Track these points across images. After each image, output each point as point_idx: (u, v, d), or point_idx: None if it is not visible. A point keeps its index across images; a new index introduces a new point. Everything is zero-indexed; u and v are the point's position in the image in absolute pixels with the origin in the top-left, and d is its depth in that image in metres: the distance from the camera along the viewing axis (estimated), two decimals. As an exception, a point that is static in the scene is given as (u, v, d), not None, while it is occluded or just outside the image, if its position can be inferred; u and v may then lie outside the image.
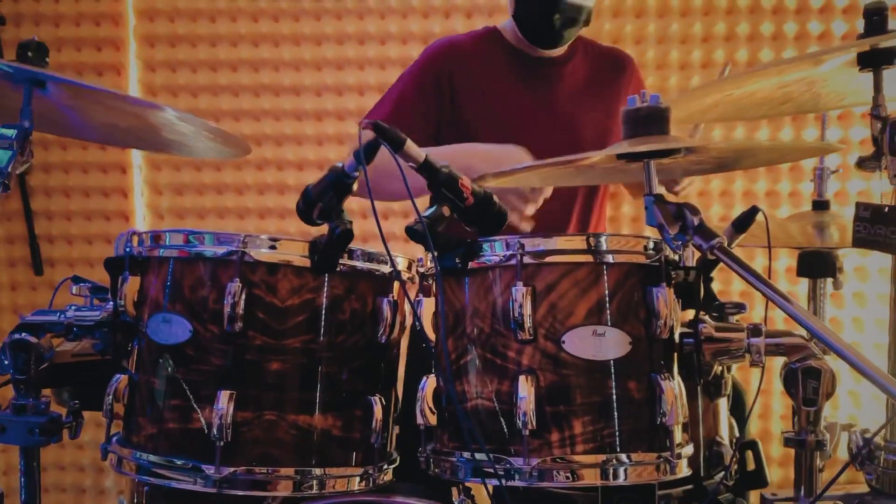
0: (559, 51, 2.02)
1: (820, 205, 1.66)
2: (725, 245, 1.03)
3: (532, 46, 1.97)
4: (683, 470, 1.20)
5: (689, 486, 1.49)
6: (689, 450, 1.22)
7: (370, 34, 2.82)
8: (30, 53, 1.49)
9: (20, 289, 2.91)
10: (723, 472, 1.52)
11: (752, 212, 1.33)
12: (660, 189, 1.10)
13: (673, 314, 1.17)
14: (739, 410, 1.88)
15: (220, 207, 2.89)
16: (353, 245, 1.24)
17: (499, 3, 2.76)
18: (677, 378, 1.24)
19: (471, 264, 1.21)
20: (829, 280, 1.65)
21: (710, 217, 2.73)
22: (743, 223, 1.34)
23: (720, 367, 1.48)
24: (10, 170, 1.38)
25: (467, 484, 1.37)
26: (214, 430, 1.19)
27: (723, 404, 1.58)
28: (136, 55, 2.86)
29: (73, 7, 2.83)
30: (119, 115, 1.71)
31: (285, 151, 2.86)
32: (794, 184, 2.73)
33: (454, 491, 1.41)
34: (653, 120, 1.10)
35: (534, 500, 1.38)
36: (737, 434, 1.63)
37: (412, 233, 1.15)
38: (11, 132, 1.40)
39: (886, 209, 1.22)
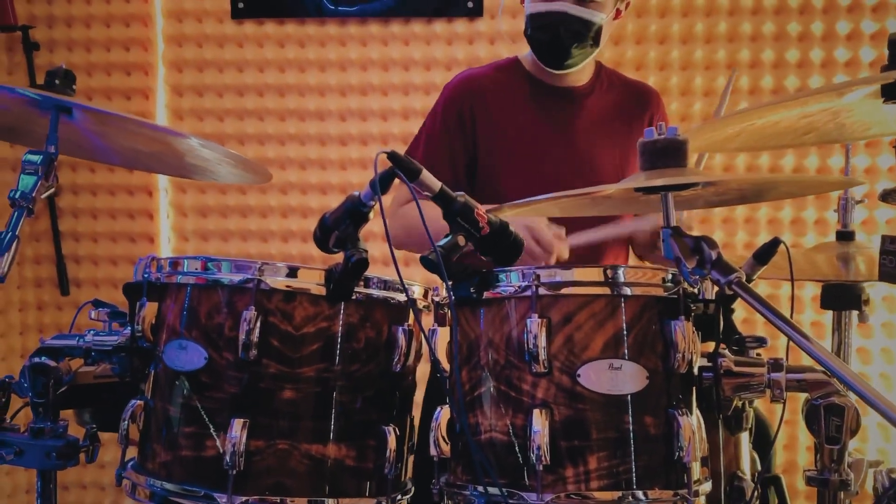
0: (580, 80, 2.01)
1: (844, 235, 1.63)
2: (743, 279, 1.01)
3: (552, 75, 1.96)
4: (702, 506, 1.17)
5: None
6: (706, 487, 1.20)
7: (394, 60, 2.84)
8: (57, 81, 1.52)
9: (46, 308, 2.95)
10: (743, 509, 1.49)
11: (773, 243, 1.31)
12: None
13: (691, 348, 1.15)
14: (763, 443, 1.84)
15: (243, 230, 2.92)
16: (370, 272, 1.24)
17: (499, 29, 2.78)
18: (696, 413, 1.22)
19: (486, 294, 1.20)
20: (855, 312, 1.62)
21: (734, 244, 2.71)
22: (764, 255, 1.32)
23: (741, 401, 1.46)
24: (34, 195, 1.40)
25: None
26: (227, 459, 1.18)
27: (744, 438, 1.54)
28: (164, 80, 2.91)
29: (104, 33, 2.89)
30: (144, 141, 1.73)
31: (309, 175, 2.89)
32: (819, 212, 2.69)
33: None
34: (670, 152, 1.09)
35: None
36: (759, 468, 1.60)
37: (427, 262, 1.14)
38: (37, 158, 1.42)
39: (913, 243, 1.19)
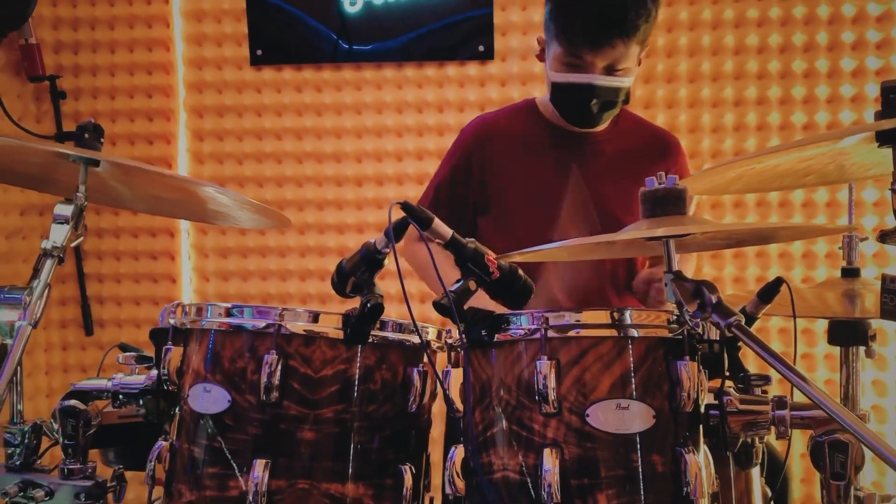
0: (600, 127, 2.03)
1: (849, 272, 1.66)
2: (742, 322, 1.05)
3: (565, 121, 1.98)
4: (711, 543, 1.20)
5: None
6: (715, 523, 1.23)
7: (408, 103, 2.92)
8: (87, 135, 1.59)
9: (71, 349, 3.02)
10: (755, 544, 1.51)
11: (776, 283, 1.35)
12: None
13: (696, 387, 1.18)
14: (776, 477, 1.86)
15: (263, 270, 2.99)
16: (386, 315, 1.30)
17: (510, 71, 2.85)
18: (703, 450, 1.25)
19: (497, 337, 1.24)
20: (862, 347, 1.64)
21: (745, 278, 2.75)
22: (768, 294, 1.36)
23: (749, 438, 1.48)
24: (65, 244, 1.47)
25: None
26: (250, 498, 1.23)
27: (755, 473, 1.57)
28: (185, 125, 3.01)
29: (128, 81, 2.99)
30: (166, 189, 1.80)
31: (326, 216, 2.96)
32: (830, 245, 2.72)
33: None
34: (670, 201, 1.14)
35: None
36: (771, 503, 1.62)
37: (439, 307, 1.19)
38: (68, 209, 1.48)
39: (911, 282, 1.23)
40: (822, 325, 2.59)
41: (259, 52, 2.96)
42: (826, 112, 2.75)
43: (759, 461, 1.55)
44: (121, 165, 1.67)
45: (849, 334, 1.61)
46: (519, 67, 2.86)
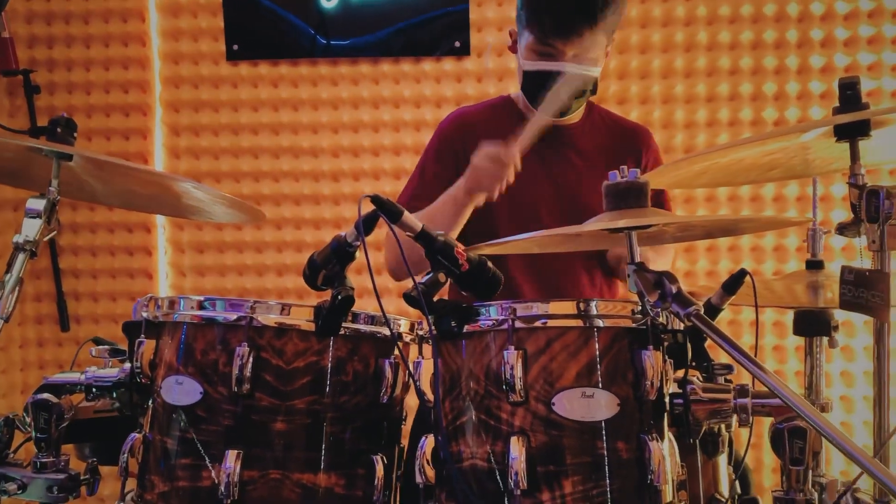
0: (571, 119, 2.06)
1: (814, 264, 1.70)
2: (701, 312, 1.08)
3: None
4: (675, 528, 1.23)
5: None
6: (679, 508, 1.26)
7: (385, 98, 2.93)
8: (59, 129, 1.59)
9: (47, 345, 3.01)
10: (721, 530, 1.55)
11: (740, 275, 1.38)
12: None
13: (659, 376, 1.21)
14: (735, 467, 1.90)
15: (240, 265, 2.99)
16: (358, 308, 1.31)
17: (486, 67, 2.88)
18: (668, 437, 1.28)
19: (467, 328, 1.26)
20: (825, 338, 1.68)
21: (718, 271, 2.79)
22: (732, 286, 1.39)
23: (716, 425, 1.52)
24: (37, 238, 1.47)
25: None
26: (222, 489, 1.24)
27: (722, 460, 1.60)
28: (161, 120, 3.00)
29: (103, 76, 2.98)
30: (141, 184, 1.81)
31: (303, 210, 2.97)
32: (801, 239, 2.76)
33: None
34: (632, 194, 1.16)
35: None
36: (738, 490, 1.65)
37: (409, 299, 1.21)
38: (40, 203, 1.49)
39: (868, 273, 1.26)
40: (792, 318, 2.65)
41: (235, 48, 2.96)
42: (796, 108, 2.80)
43: (726, 449, 1.59)
44: (94, 160, 1.67)
45: (812, 325, 1.65)
46: (494, 63, 2.88)
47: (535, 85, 1.91)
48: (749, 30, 2.81)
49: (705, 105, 2.84)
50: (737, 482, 1.65)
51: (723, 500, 1.58)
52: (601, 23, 1.81)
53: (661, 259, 2.08)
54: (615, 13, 1.84)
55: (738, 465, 1.70)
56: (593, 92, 1.96)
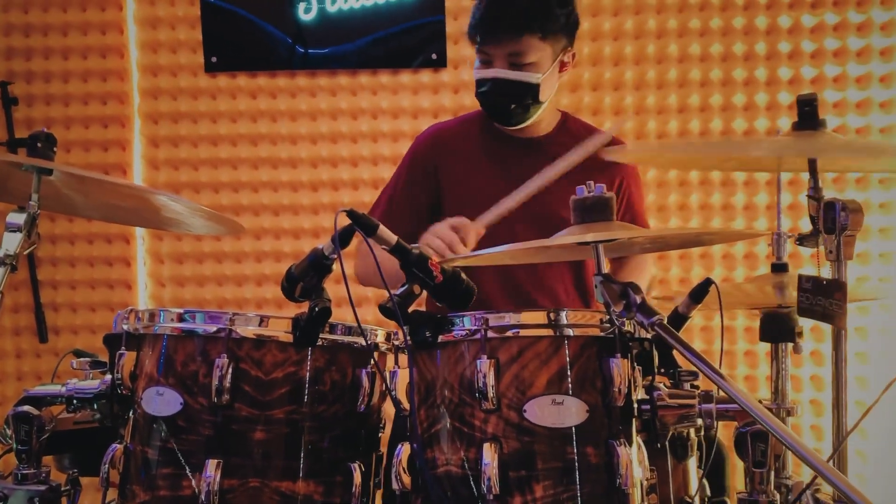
0: (544, 129, 2.09)
1: (779, 267, 1.75)
2: (664, 321, 1.13)
3: (514, 127, 2.05)
4: (643, 530, 1.27)
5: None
6: (647, 511, 1.30)
7: (363, 109, 2.97)
8: (39, 144, 1.61)
9: (25, 357, 3.00)
10: (691, 531, 1.60)
11: (705, 284, 1.43)
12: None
13: (626, 383, 1.25)
14: (720, 470, 1.95)
15: (219, 275, 3.01)
16: (336, 319, 1.35)
17: (462, 79, 2.96)
18: (636, 442, 1.32)
19: (441, 338, 1.30)
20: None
21: (690, 279, 2.85)
22: (698, 294, 1.44)
23: (685, 430, 1.57)
24: (17, 252, 1.49)
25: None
26: (203, 497, 1.27)
27: (691, 464, 1.65)
28: (140, 132, 3.02)
29: (82, 87, 2.99)
30: (120, 197, 1.83)
31: (282, 221, 2.99)
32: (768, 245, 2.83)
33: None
34: (598, 208, 1.21)
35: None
36: (708, 493, 1.70)
37: (384, 310, 1.25)
38: (20, 217, 1.51)
39: (825, 282, 1.31)
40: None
41: (214, 60, 2.98)
42: (765, 118, 2.87)
43: (697, 453, 1.64)
44: (74, 175, 1.69)
45: (778, 331, 1.70)
46: (470, 75, 2.92)
47: (480, 94, 1.97)
48: (719, 42, 2.89)
49: (677, 116, 2.91)
50: (706, 485, 1.70)
51: (691, 502, 1.62)
52: (527, 27, 1.87)
53: (640, 271, 2.15)
54: (549, 19, 1.89)
55: (713, 468, 1.75)
56: (535, 100, 1.97)
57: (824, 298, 1.30)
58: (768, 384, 2.81)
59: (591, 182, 1.24)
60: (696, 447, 1.61)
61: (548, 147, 2.08)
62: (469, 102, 2.84)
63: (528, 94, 1.94)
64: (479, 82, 1.96)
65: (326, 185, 2.99)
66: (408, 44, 2.95)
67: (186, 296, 2.99)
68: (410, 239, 1.96)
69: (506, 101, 1.95)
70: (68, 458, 1.85)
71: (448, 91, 2.96)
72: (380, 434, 1.57)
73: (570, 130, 2.12)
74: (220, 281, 3.01)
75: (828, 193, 2.71)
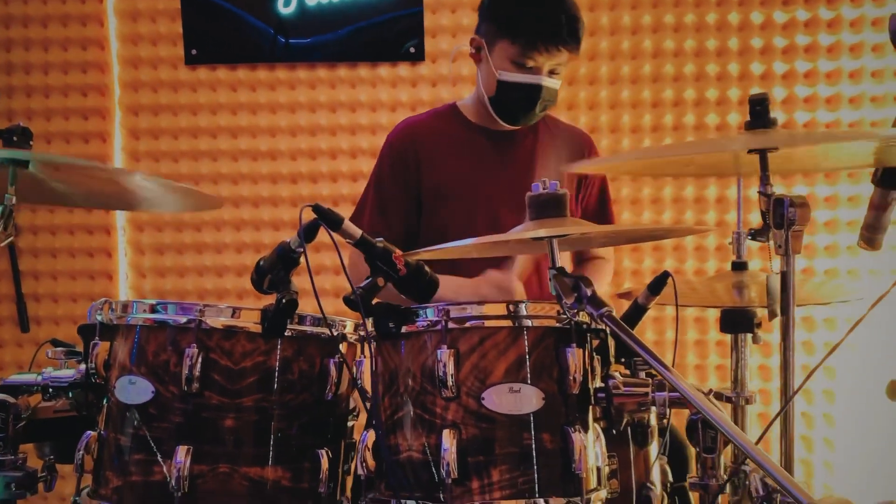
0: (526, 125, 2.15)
1: (739, 266, 1.80)
2: (613, 313, 1.18)
3: (493, 121, 2.09)
4: (598, 512, 1.33)
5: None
6: (602, 494, 1.35)
7: (342, 102, 3.00)
8: (15, 138, 1.65)
9: (6, 346, 3.03)
10: (651, 516, 1.65)
11: (663, 276, 1.49)
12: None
13: (581, 371, 1.30)
14: (679, 457, 2.01)
15: (199, 266, 3.04)
16: (305, 311, 1.40)
17: (440, 72, 2.98)
18: (592, 429, 1.37)
19: (405, 328, 1.35)
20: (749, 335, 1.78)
21: (643, 270, 2.90)
22: (656, 286, 1.50)
23: (646, 417, 1.62)
24: (-6, 244, 1.53)
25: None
26: (173, 483, 1.31)
27: (653, 451, 1.70)
28: (120, 124, 3.04)
29: (62, 79, 3.01)
30: (98, 182, 1.87)
31: (261, 212, 3.02)
32: (718, 239, 2.90)
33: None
34: (552, 204, 1.26)
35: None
36: (670, 479, 1.75)
37: (349, 302, 1.30)
38: (-3, 209, 1.54)
39: (767, 278, 1.37)
40: (713, 315, 2.77)
41: (194, 52, 3.00)
42: (737, 113, 2.92)
43: (659, 440, 1.69)
44: (51, 163, 1.73)
45: (737, 323, 1.75)
46: (448, 69, 2.96)
47: (510, 96, 2.00)
48: (692, 38, 2.92)
49: (650, 110, 2.95)
50: (668, 470, 1.76)
51: (653, 487, 1.68)
52: (580, 41, 1.96)
53: (601, 272, 2.22)
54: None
55: (675, 454, 1.81)
56: (554, 103, 2.06)
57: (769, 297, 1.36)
58: (717, 373, 2.90)
59: (546, 179, 1.28)
60: (656, 434, 1.67)
61: (522, 140, 2.14)
62: (446, 96, 2.88)
63: (553, 101, 2.01)
64: (515, 86, 1.98)
65: (305, 177, 3.02)
66: (386, 37, 2.98)
67: (167, 286, 3.02)
68: (406, 237, 2.04)
69: (540, 107, 2.01)
70: (49, 446, 1.89)
71: (426, 84, 2.99)
72: (350, 422, 1.62)
73: (540, 125, 2.17)
74: (200, 272, 3.04)
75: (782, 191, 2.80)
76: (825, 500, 0.79)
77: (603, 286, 2.23)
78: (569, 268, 2.33)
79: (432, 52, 2.98)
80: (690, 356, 2.91)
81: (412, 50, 2.97)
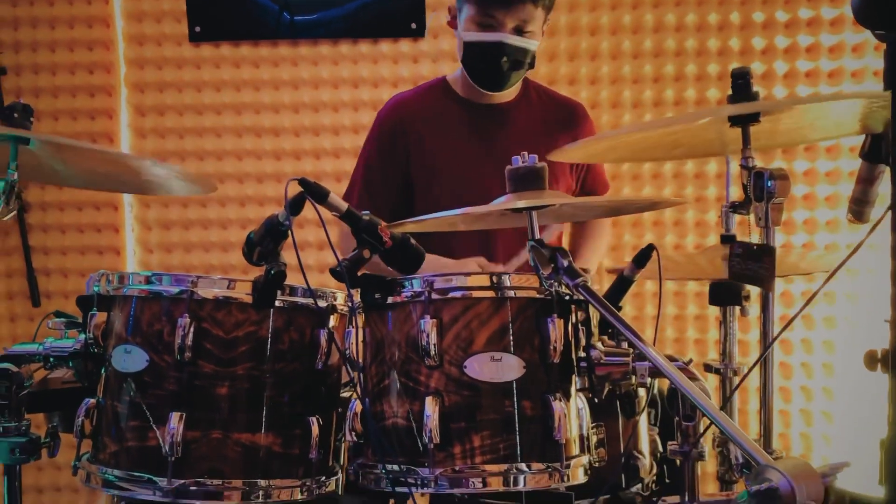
0: (508, 96, 2.17)
1: (727, 239, 1.82)
2: (588, 283, 1.20)
3: (481, 94, 2.11)
4: (579, 478, 1.36)
5: (608, 496, 1.65)
6: (583, 460, 1.38)
7: (343, 79, 3.03)
8: (15, 115, 1.68)
9: (18, 320, 3.10)
10: (639, 484, 1.69)
11: (647, 249, 1.51)
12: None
13: (562, 341, 1.33)
14: (668, 427, 2.04)
15: (205, 241, 3.08)
16: (296, 282, 1.43)
17: (441, 48, 2.99)
18: (574, 398, 1.41)
19: (391, 299, 1.38)
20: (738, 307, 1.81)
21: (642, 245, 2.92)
22: (641, 259, 1.52)
23: (633, 388, 1.65)
24: (-5, 218, 1.57)
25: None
26: (166, 447, 1.36)
27: (642, 421, 1.74)
28: (126, 101, 3.07)
29: (68, 57, 3.04)
30: (101, 163, 1.91)
31: (265, 188, 3.06)
32: (718, 215, 2.90)
33: (391, 502, 1.57)
34: (531, 177, 1.28)
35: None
36: (660, 449, 1.79)
37: (335, 274, 1.33)
38: (-1, 185, 1.58)
39: (755, 247, 1.39)
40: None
41: (198, 29, 3.03)
42: (717, 89, 2.91)
43: (644, 409, 1.72)
44: (53, 143, 1.77)
45: (726, 295, 1.77)
46: (450, 45, 2.97)
47: (476, 57, 2.01)
48: (672, 13, 2.93)
49: (651, 86, 2.95)
50: (659, 441, 1.79)
51: (640, 457, 1.71)
52: None
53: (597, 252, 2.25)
54: None
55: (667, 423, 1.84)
56: (531, 66, 2.06)
57: (754, 263, 1.38)
58: (696, 347, 2.92)
59: (525, 153, 1.31)
60: (645, 404, 1.70)
61: (513, 113, 2.15)
62: (447, 70, 2.89)
63: (527, 61, 2.01)
64: (477, 46, 1.99)
65: (309, 153, 3.05)
66: (389, 13, 2.99)
67: (174, 261, 3.07)
68: (393, 215, 2.07)
69: (507, 67, 1.99)
70: (58, 416, 1.95)
71: (427, 60, 3.00)
72: (348, 393, 1.66)
73: (532, 97, 2.19)
74: (206, 247, 3.09)
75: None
76: (782, 461, 0.82)
77: (601, 245, 2.25)
78: (567, 231, 2.36)
79: (434, 28, 2.98)
80: (669, 330, 2.94)
81: (413, 26, 2.98)
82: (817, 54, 2.90)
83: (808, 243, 2.92)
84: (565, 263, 1.22)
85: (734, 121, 1.41)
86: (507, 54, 1.99)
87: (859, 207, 1.61)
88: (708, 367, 1.90)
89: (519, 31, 1.98)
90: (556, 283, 1.28)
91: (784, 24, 2.90)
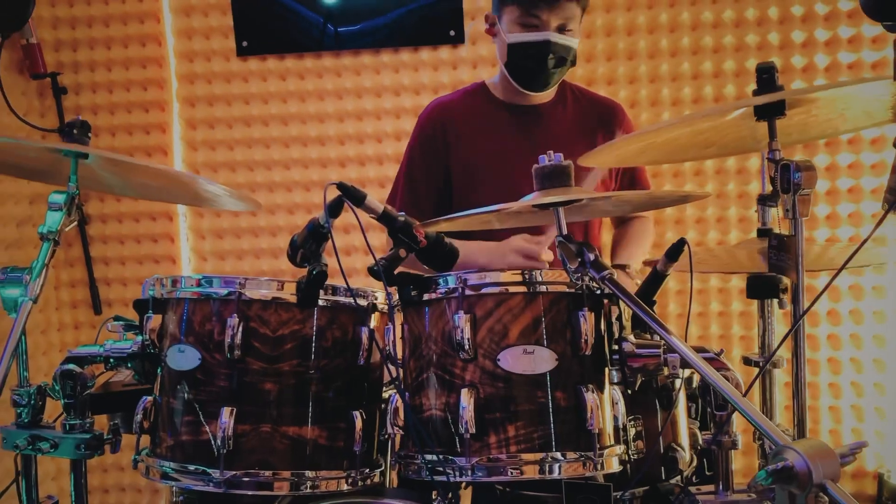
0: (546, 97, 2.21)
1: (763, 232, 1.83)
2: (614, 277, 1.24)
3: (520, 95, 2.15)
4: (613, 467, 1.40)
5: (646, 488, 1.67)
6: (617, 450, 1.42)
7: (385, 87, 3.12)
8: (75, 131, 1.79)
9: (82, 328, 3.25)
10: (678, 476, 1.71)
11: (679, 243, 1.54)
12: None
13: (593, 334, 1.37)
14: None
15: (255, 248, 3.19)
16: (338, 283, 1.50)
17: (480, 54, 3.04)
18: (609, 390, 1.44)
19: (427, 296, 1.44)
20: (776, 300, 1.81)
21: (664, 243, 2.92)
22: (673, 253, 1.55)
23: (669, 381, 1.67)
24: (59, 228, 1.67)
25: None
26: (218, 441, 1.44)
27: (681, 413, 1.76)
28: (178, 115, 3.20)
29: (124, 75, 3.18)
30: (154, 177, 2.01)
31: (312, 196, 3.16)
32: (741, 210, 2.93)
33: (434, 493, 1.63)
34: (556, 175, 1.32)
35: (508, 501, 1.60)
36: (700, 442, 1.80)
37: (373, 272, 1.39)
38: (61, 197, 1.68)
39: (785, 238, 1.40)
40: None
41: (245, 44, 3.14)
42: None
43: (689, 404, 1.74)
44: (108, 158, 1.87)
45: (763, 289, 1.78)
46: (488, 50, 3.02)
47: (522, 58, 2.06)
48: (709, 10, 2.94)
49: (690, 83, 2.96)
50: (699, 434, 1.80)
51: (679, 449, 1.73)
52: None
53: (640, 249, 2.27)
54: None
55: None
56: (573, 64, 2.11)
57: (785, 254, 1.39)
58: (741, 343, 2.90)
59: (552, 152, 1.35)
60: (677, 396, 1.72)
61: (551, 114, 2.19)
62: (486, 75, 2.94)
63: (570, 59, 2.06)
64: (522, 46, 2.04)
65: (353, 161, 3.13)
66: (426, 22, 3.06)
67: (227, 268, 3.18)
68: (437, 215, 2.12)
69: (553, 65, 2.05)
70: (119, 417, 2.06)
71: (467, 66, 3.06)
72: (384, 391, 1.72)
73: (569, 97, 2.22)
74: (257, 254, 3.19)
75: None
76: (799, 441, 0.84)
77: (644, 243, 2.27)
78: (609, 230, 2.38)
79: (472, 35, 3.04)
80: (714, 327, 2.94)
81: (452, 33, 3.04)
82: (836, 47, 2.88)
83: (831, 237, 2.91)
84: (592, 257, 1.26)
85: (760, 114, 1.42)
86: (553, 52, 2.04)
87: (894, 196, 1.61)
88: (747, 361, 1.91)
89: (562, 29, 2.04)
90: (583, 277, 1.32)
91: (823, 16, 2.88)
